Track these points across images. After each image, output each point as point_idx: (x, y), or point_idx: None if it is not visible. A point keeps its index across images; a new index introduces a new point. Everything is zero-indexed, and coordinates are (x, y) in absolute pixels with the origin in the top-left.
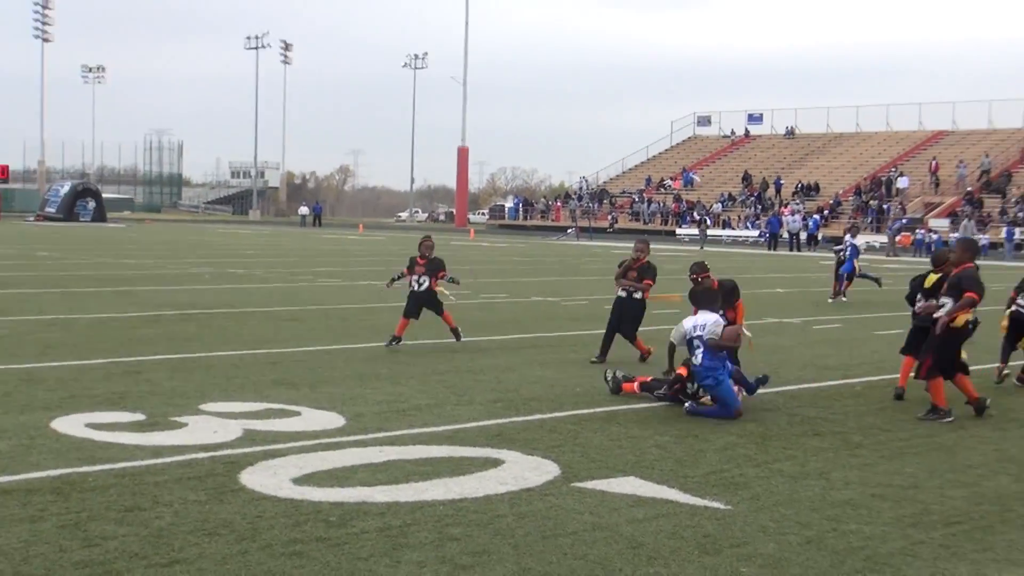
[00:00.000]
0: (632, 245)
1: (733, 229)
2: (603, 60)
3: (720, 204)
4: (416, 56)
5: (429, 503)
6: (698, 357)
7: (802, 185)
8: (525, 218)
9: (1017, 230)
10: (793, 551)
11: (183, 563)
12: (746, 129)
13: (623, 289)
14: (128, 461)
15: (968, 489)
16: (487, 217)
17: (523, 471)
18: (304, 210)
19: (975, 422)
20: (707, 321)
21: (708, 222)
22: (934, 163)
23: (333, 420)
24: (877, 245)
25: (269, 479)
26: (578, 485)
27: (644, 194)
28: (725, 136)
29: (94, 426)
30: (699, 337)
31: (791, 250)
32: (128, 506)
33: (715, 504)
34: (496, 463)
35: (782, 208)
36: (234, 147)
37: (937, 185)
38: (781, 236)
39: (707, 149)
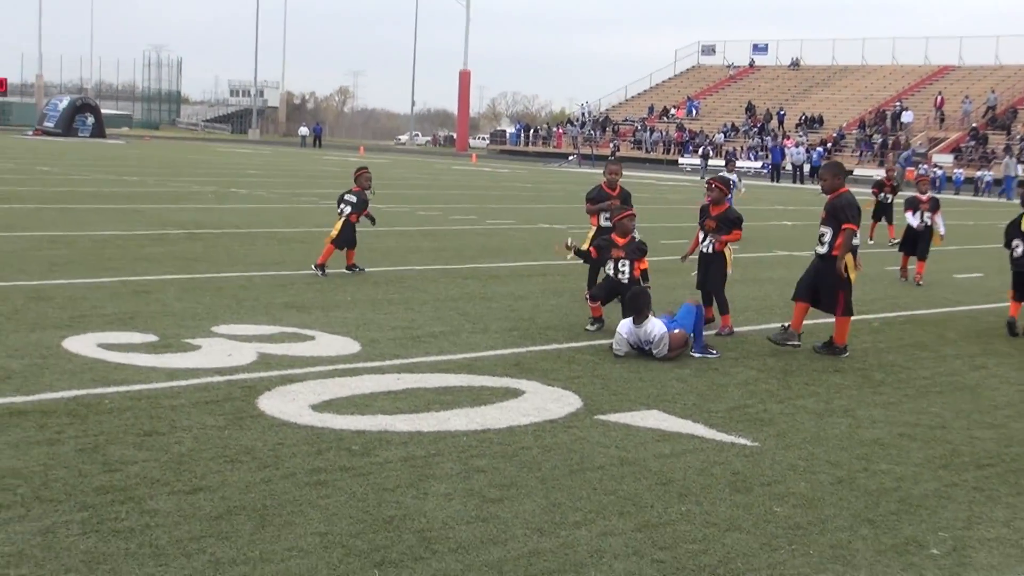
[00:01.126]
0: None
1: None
2: None
3: (723, 135)
4: None
5: (452, 433)
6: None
7: (806, 117)
8: (526, 144)
9: (1020, 167)
10: (825, 491)
11: (206, 491)
12: (751, 59)
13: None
14: (143, 383)
15: (996, 431)
16: (488, 142)
17: (545, 402)
18: (304, 131)
19: (998, 362)
20: (652, 336)
21: (710, 152)
22: (939, 98)
23: (348, 345)
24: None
25: (288, 405)
26: (601, 418)
27: (647, 122)
28: (729, 66)
29: (106, 346)
30: (648, 352)
31: (794, 182)
32: (147, 430)
33: (742, 440)
34: (516, 393)
35: (785, 140)
36: (233, 65)
37: (942, 120)
38: (784, 168)
39: (711, 79)
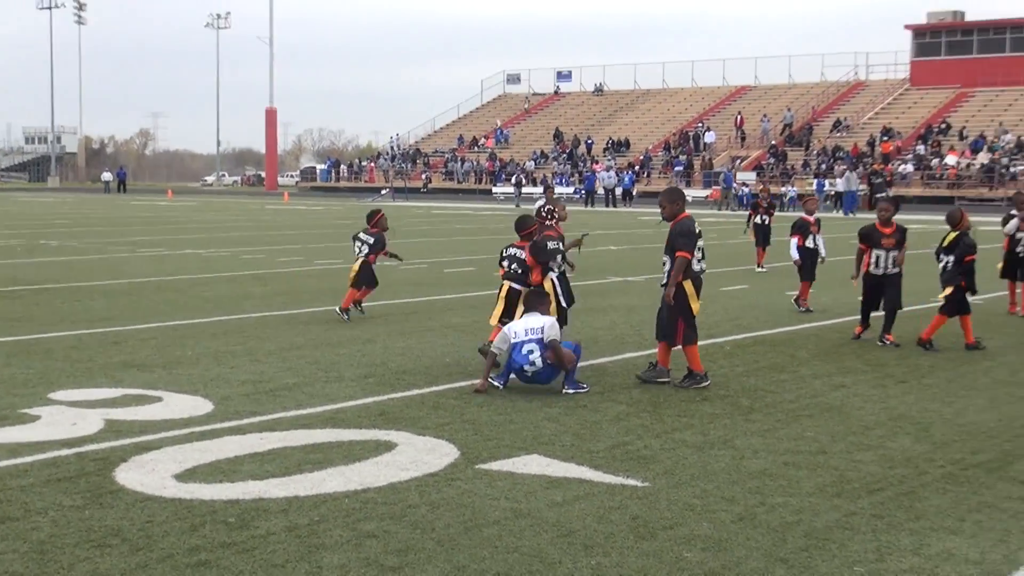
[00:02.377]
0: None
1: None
2: (406, 19)
3: (533, 162)
4: (219, 16)
5: (332, 496)
6: (537, 362)
7: (612, 142)
8: (337, 180)
9: (827, 181)
10: (729, 530)
11: None
12: (556, 87)
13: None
14: None
15: (875, 452)
16: (298, 179)
17: (420, 454)
18: (107, 176)
19: (854, 380)
20: (543, 324)
21: (523, 180)
22: (740, 117)
23: (199, 405)
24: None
25: (148, 477)
26: (482, 467)
27: (457, 153)
28: (536, 94)
29: None
30: (537, 341)
31: (607, 206)
32: None
33: (631, 481)
34: (389, 446)
35: (594, 165)
36: (28, 112)
37: (743, 139)
38: (597, 192)
39: (518, 107)
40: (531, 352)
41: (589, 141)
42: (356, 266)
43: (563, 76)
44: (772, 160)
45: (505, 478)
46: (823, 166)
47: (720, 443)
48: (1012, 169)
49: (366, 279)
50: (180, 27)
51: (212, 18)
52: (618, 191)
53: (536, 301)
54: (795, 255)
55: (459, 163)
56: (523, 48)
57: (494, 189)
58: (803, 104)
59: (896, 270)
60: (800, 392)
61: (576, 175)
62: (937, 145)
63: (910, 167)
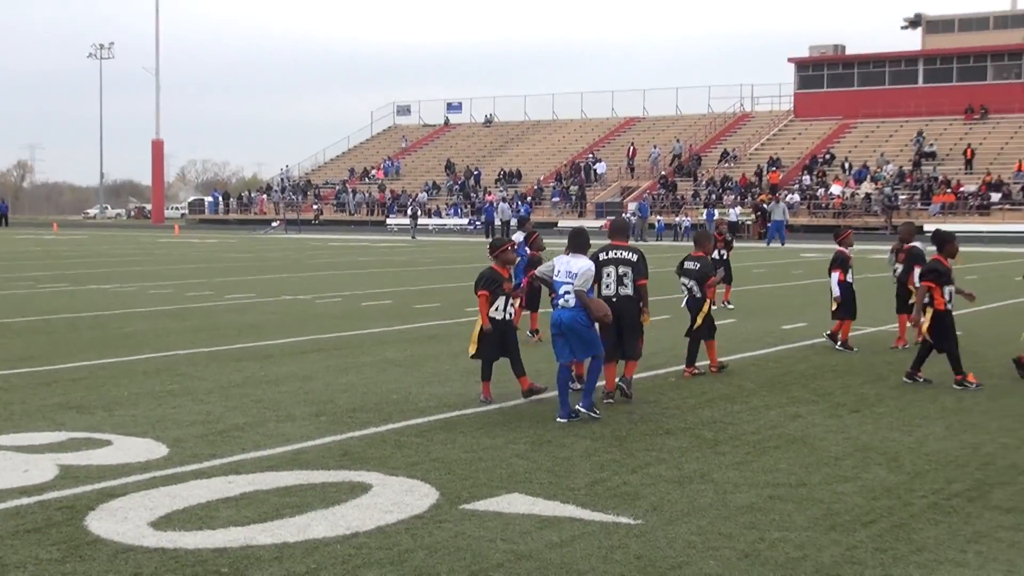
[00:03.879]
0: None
1: (441, 217)
2: (292, 51)
3: (425, 193)
4: (102, 46)
5: (322, 541)
6: (570, 302)
7: (504, 172)
8: (226, 212)
9: (716, 211)
10: (738, 568)
11: None
12: (446, 118)
13: None
14: None
15: (854, 484)
16: (185, 212)
17: (399, 495)
18: None
19: (808, 410)
20: (580, 268)
21: (419, 212)
22: (631, 148)
23: (153, 448)
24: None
25: (122, 525)
26: (467, 508)
27: (348, 184)
28: (426, 125)
29: None
30: (569, 283)
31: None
32: None
33: (623, 519)
34: (364, 488)
35: (487, 196)
36: None
37: (632, 170)
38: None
39: (409, 138)
40: (567, 293)
41: (477, 172)
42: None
43: (453, 107)
44: (662, 190)
45: (494, 518)
46: (713, 196)
47: (698, 477)
48: (895, 199)
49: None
50: (60, 58)
51: (95, 48)
52: (513, 222)
53: (578, 242)
54: (836, 291)
55: (351, 195)
56: (413, 79)
57: (388, 221)
58: (691, 135)
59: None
60: (759, 423)
61: (469, 206)
62: (822, 175)
63: (796, 197)
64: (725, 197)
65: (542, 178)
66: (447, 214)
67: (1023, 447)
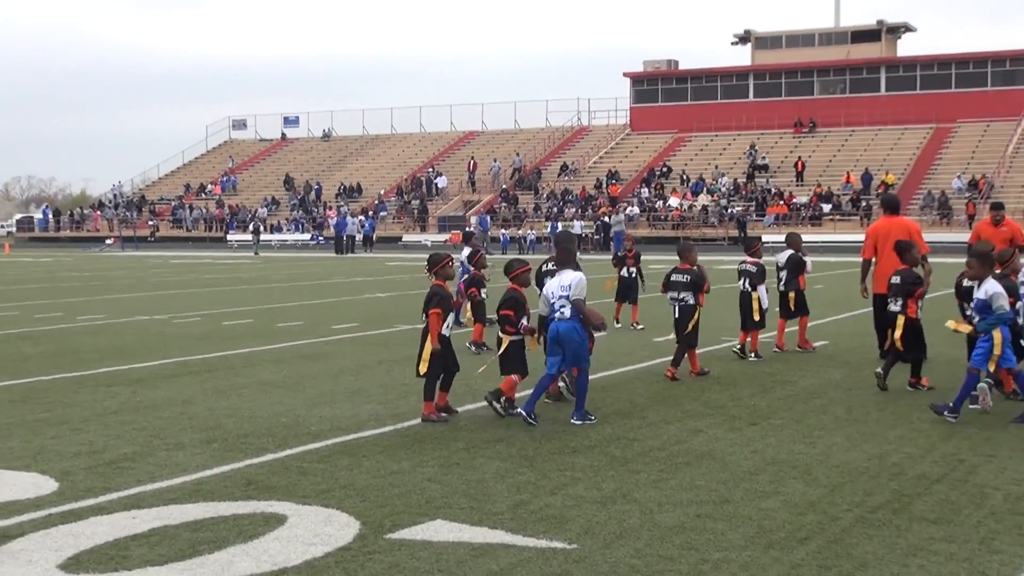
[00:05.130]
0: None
1: (283, 233)
2: (119, 64)
3: (265, 208)
4: None
5: None
6: (566, 313)
7: (345, 187)
8: (57, 229)
9: (560, 224)
10: None
11: None
12: (283, 132)
13: None
14: None
15: (776, 499)
16: (12, 229)
17: (317, 526)
18: None
19: (706, 424)
20: (572, 280)
21: (261, 228)
22: (472, 162)
23: (41, 482)
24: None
25: (30, 569)
26: (393, 537)
27: (184, 200)
28: (263, 139)
29: None
30: (566, 296)
31: (346, 252)
32: None
33: (556, 544)
34: (280, 519)
35: (328, 212)
36: None
37: (474, 183)
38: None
39: (245, 153)
40: (563, 307)
41: (317, 187)
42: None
43: (290, 121)
44: (504, 204)
45: (424, 548)
46: (554, 209)
47: (620, 497)
48: (731, 210)
49: (479, 315)
50: None
51: None
52: (358, 237)
53: (567, 259)
54: (766, 302)
55: (187, 211)
56: (248, 93)
57: (229, 237)
58: (531, 148)
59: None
60: (663, 439)
61: (311, 222)
62: (660, 188)
63: (636, 209)
64: (566, 210)
65: (383, 192)
66: (288, 229)
67: (927, 456)
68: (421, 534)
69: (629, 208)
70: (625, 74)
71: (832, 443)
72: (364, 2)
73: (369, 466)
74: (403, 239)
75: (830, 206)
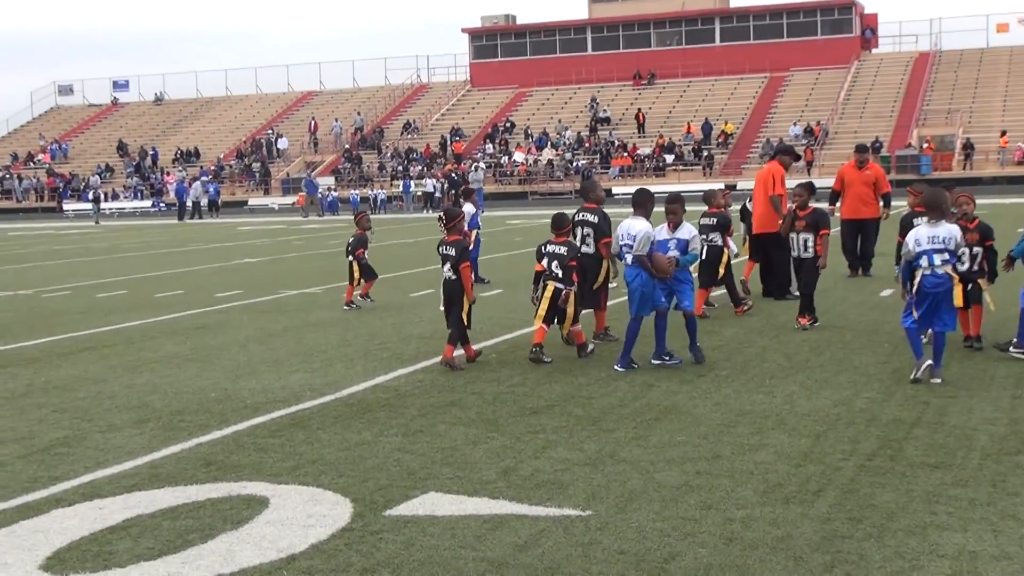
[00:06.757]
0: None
1: (120, 200)
2: None
3: (98, 176)
4: None
5: (261, 570)
6: (627, 259)
7: (181, 152)
8: None
9: (413, 183)
10: (730, 554)
11: None
12: (114, 97)
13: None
14: None
15: (767, 451)
16: None
17: (305, 506)
18: None
19: (656, 377)
20: (638, 232)
21: (101, 196)
22: (313, 123)
23: None
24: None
25: (8, 573)
26: (393, 514)
27: (12, 170)
28: (92, 105)
29: None
30: (629, 246)
31: (192, 218)
32: None
33: (569, 511)
34: (261, 501)
35: (166, 176)
36: None
37: (316, 144)
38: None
39: (74, 119)
40: (628, 254)
41: (153, 152)
42: (354, 264)
43: (120, 85)
44: (348, 164)
45: (432, 523)
46: (399, 168)
47: (607, 458)
48: (576, 163)
49: (367, 273)
50: None
51: None
52: (204, 201)
53: (643, 199)
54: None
55: (16, 181)
56: (74, 58)
57: (65, 206)
58: (371, 107)
59: (810, 254)
60: (620, 395)
61: (149, 188)
62: (504, 143)
63: (482, 165)
64: (412, 168)
65: (222, 156)
66: (127, 197)
67: (890, 400)
68: (421, 508)
69: (475, 164)
70: (463, 30)
71: (790, 391)
72: None
73: (328, 439)
74: (249, 203)
75: (673, 156)
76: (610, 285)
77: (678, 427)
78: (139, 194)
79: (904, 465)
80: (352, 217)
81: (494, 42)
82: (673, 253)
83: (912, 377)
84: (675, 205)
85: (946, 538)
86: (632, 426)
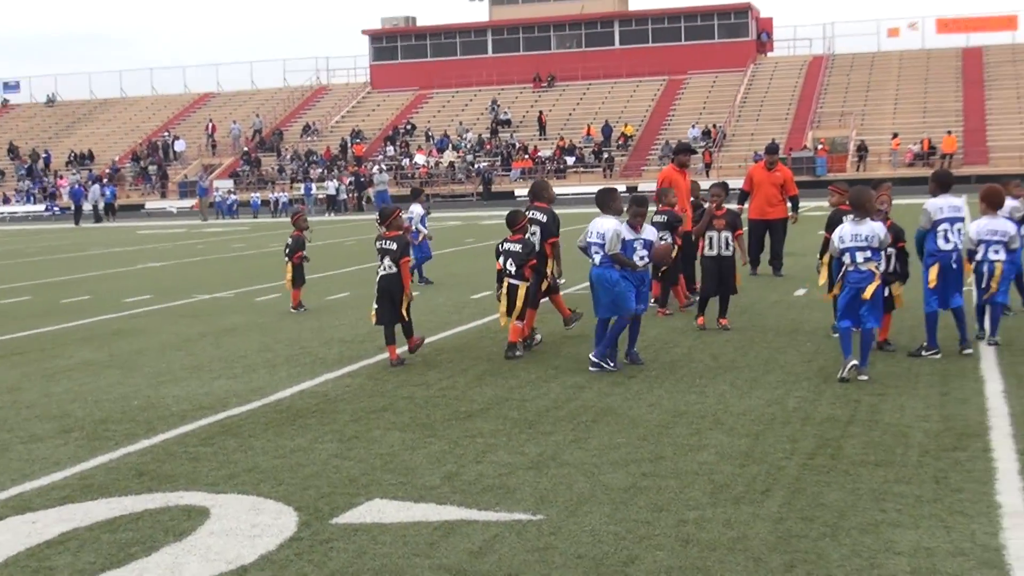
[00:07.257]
0: None
1: (11, 205)
2: None
3: None
4: None
5: None
6: (596, 259)
7: (75, 154)
8: None
9: (315, 185)
10: (690, 557)
11: None
12: (3, 99)
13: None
14: None
15: (709, 452)
16: None
17: (248, 516)
18: None
19: (586, 380)
20: (606, 231)
21: (12, 199)
22: (211, 124)
23: None
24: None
25: None
26: (340, 523)
27: None
28: None
29: None
30: (600, 245)
31: (80, 222)
32: None
33: (519, 515)
34: (202, 511)
35: (59, 180)
36: None
37: (214, 147)
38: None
39: None
40: (597, 254)
41: (46, 155)
42: (288, 268)
43: (10, 87)
44: (247, 167)
45: (383, 531)
46: (300, 171)
47: (549, 461)
48: (477, 166)
49: (298, 279)
50: None
51: None
52: (100, 204)
53: (607, 199)
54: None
55: None
56: None
57: None
58: (270, 109)
59: (730, 252)
60: (552, 398)
61: (41, 192)
62: (405, 146)
63: (384, 167)
64: (312, 171)
65: (117, 158)
66: (18, 201)
67: (821, 399)
68: (368, 516)
69: (375, 167)
70: (364, 32)
71: (721, 391)
72: None
73: (262, 446)
74: (146, 206)
75: (573, 159)
76: (559, 281)
77: (616, 429)
78: (31, 198)
79: (846, 463)
80: (289, 218)
81: (394, 44)
82: (640, 253)
83: (840, 376)
84: (641, 208)
85: (900, 535)
86: (570, 428)
